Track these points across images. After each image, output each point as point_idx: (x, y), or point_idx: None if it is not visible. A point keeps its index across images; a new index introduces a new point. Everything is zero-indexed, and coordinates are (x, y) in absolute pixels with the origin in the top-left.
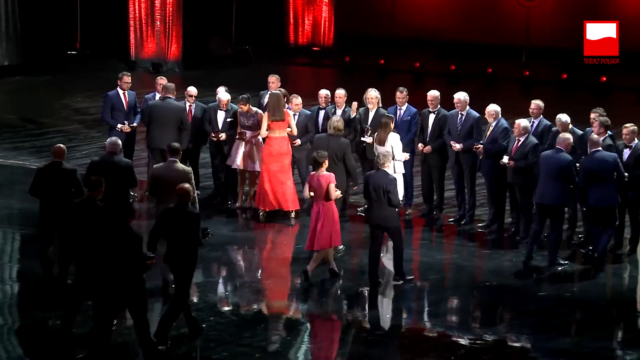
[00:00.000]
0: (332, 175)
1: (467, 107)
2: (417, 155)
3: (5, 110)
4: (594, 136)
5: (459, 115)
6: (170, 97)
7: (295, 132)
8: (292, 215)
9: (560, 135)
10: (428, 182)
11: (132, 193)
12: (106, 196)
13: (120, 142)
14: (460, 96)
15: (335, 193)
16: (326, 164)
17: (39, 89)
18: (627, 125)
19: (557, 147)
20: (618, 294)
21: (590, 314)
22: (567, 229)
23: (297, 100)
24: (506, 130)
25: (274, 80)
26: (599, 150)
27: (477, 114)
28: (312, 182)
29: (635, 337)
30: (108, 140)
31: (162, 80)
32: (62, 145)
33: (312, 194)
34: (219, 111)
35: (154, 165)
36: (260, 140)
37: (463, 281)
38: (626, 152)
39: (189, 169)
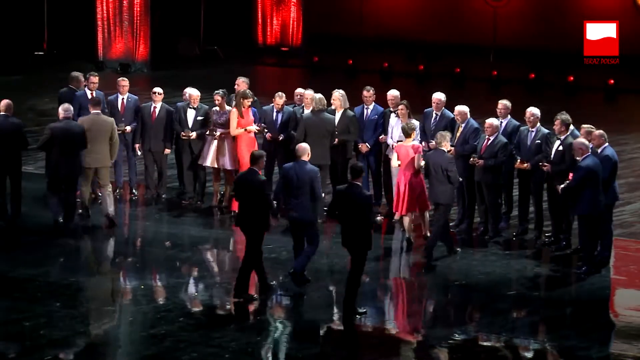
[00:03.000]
0: (421, 146)
1: (443, 108)
2: (383, 155)
3: None
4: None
5: (434, 115)
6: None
7: (232, 131)
8: None
9: (579, 141)
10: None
11: (99, 194)
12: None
13: (11, 102)
14: (440, 97)
15: (421, 163)
16: (415, 134)
17: (6, 89)
18: (584, 125)
19: (585, 154)
20: (585, 293)
21: (558, 312)
22: (534, 228)
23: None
24: (477, 131)
25: (239, 82)
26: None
27: (452, 115)
28: (400, 152)
29: (603, 335)
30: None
31: (123, 82)
32: (9, 100)
33: (399, 162)
34: (189, 109)
35: (80, 118)
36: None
37: (433, 280)
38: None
39: (112, 119)
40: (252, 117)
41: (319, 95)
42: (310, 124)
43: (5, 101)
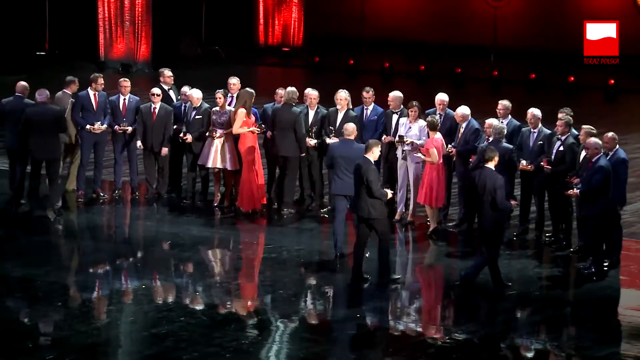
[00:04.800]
0: (441, 137)
1: (446, 108)
2: (382, 155)
3: None
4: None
5: (438, 116)
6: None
7: (234, 129)
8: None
9: (594, 141)
10: (390, 182)
11: (101, 194)
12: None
13: (27, 84)
14: (444, 98)
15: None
16: (438, 127)
17: (7, 90)
18: (584, 126)
19: (599, 154)
20: (586, 293)
21: (559, 312)
22: (535, 228)
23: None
24: (477, 131)
25: (235, 82)
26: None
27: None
28: (435, 144)
29: (604, 335)
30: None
31: (125, 82)
32: (25, 83)
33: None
34: (192, 110)
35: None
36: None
37: (433, 280)
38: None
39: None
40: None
41: (291, 89)
42: (278, 117)
43: (21, 83)
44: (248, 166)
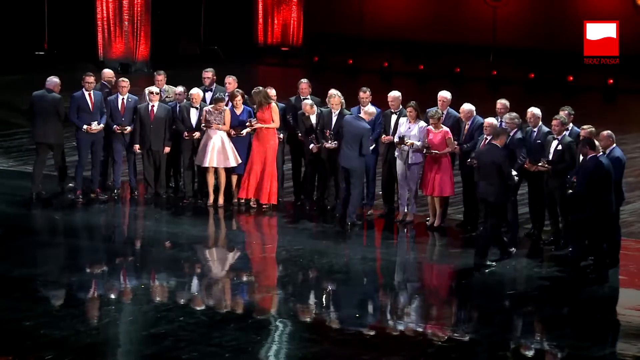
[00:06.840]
0: (448, 129)
1: (448, 107)
2: (381, 155)
3: None
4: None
5: (441, 114)
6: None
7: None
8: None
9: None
10: (389, 182)
11: (100, 194)
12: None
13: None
14: (446, 95)
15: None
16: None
17: (6, 89)
18: (585, 127)
19: (600, 153)
20: (585, 292)
21: (558, 311)
22: (533, 228)
23: (272, 92)
24: (482, 127)
25: (230, 81)
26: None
27: (457, 114)
28: (446, 134)
29: (602, 334)
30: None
31: (123, 82)
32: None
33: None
34: (191, 109)
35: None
36: (226, 135)
37: (433, 280)
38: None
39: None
40: (270, 114)
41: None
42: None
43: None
44: (268, 162)
